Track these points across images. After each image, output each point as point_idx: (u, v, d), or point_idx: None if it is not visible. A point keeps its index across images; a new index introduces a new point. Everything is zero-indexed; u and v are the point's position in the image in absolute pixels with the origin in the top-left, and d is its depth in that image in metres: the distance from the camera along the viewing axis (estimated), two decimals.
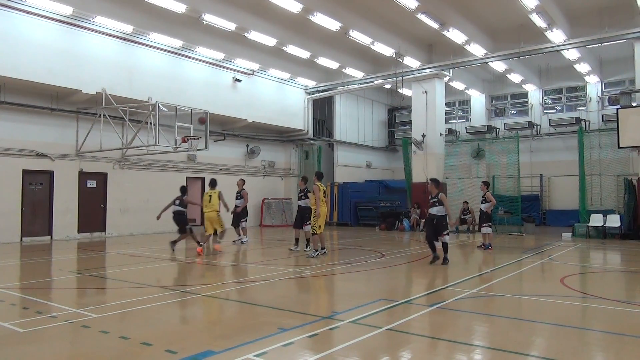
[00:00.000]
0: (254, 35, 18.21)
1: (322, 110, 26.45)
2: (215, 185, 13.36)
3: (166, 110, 16.08)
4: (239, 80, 21.48)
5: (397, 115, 30.19)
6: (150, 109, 15.77)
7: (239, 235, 15.20)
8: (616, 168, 19.61)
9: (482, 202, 13.76)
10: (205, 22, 16.55)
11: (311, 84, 24.73)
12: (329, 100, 26.46)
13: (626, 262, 12.16)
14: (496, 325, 5.86)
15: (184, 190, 13.20)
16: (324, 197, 11.79)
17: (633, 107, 16.96)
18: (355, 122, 27.89)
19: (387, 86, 26.33)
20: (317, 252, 11.46)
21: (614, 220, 17.16)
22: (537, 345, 5.11)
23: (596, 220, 17.49)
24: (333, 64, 22.19)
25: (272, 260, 10.86)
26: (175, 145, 15.86)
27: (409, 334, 5.39)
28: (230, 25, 17.12)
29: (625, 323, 5.95)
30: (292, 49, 20.08)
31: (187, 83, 19.38)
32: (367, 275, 9.35)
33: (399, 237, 18.41)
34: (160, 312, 6.38)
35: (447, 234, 10.52)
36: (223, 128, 21.95)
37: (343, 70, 23.03)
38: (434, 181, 10.93)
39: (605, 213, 17.78)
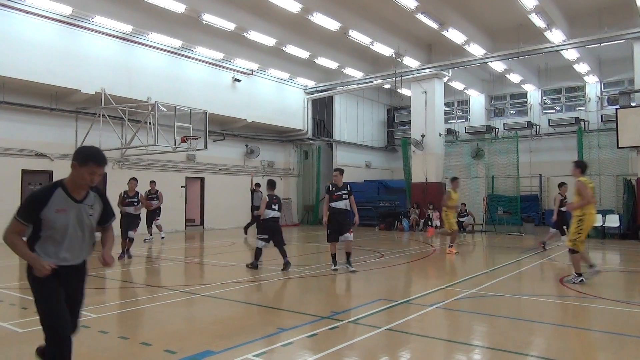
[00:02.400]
0: (254, 35, 18.21)
1: (322, 110, 26.45)
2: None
3: (165, 110, 16.08)
4: (239, 80, 21.47)
5: (396, 115, 30.20)
6: (150, 108, 15.78)
7: (151, 234, 15.29)
8: (615, 168, 19.62)
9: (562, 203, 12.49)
10: (204, 22, 16.54)
11: (310, 84, 24.73)
12: (329, 100, 26.46)
13: (625, 262, 12.17)
14: (495, 325, 5.86)
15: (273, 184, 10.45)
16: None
17: (632, 107, 16.98)
18: (354, 122, 27.90)
19: (387, 86, 26.33)
20: (581, 278, 8.10)
21: (613, 220, 17.18)
22: (537, 345, 5.12)
23: (597, 219, 17.49)
24: (332, 64, 22.19)
25: (271, 260, 10.84)
26: (175, 145, 15.86)
27: (408, 334, 5.40)
28: (229, 25, 17.12)
29: (624, 323, 5.96)
30: (291, 49, 20.09)
31: (187, 83, 19.37)
32: (367, 275, 9.36)
33: (398, 237, 18.42)
34: (160, 312, 6.38)
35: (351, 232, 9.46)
36: (222, 128, 21.95)
37: (342, 70, 23.03)
38: (339, 170, 9.67)
39: (604, 213, 17.78)
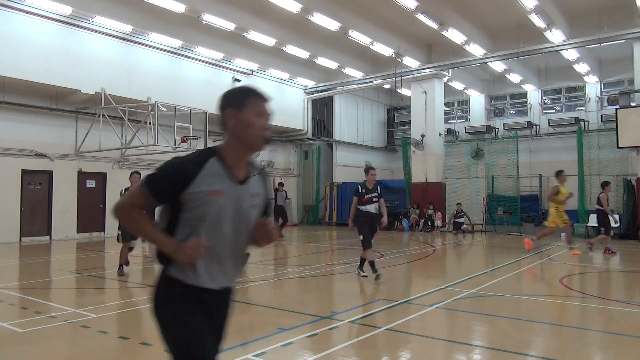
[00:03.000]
0: (253, 35, 18.21)
1: (322, 110, 26.45)
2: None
3: (165, 110, 16.07)
4: (239, 80, 21.46)
5: (396, 115, 30.18)
6: (150, 108, 15.77)
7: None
8: (615, 168, 19.60)
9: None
10: (204, 22, 16.54)
11: (310, 84, 24.72)
12: (328, 100, 26.46)
13: (625, 262, 12.17)
14: (495, 325, 5.86)
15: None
16: None
17: (632, 107, 16.99)
18: (354, 122, 27.89)
19: (387, 86, 26.31)
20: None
21: (612, 221, 17.10)
22: (536, 345, 5.12)
23: (595, 220, 17.44)
24: (332, 64, 22.18)
25: (272, 260, 10.85)
26: (175, 145, 15.85)
27: (408, 334, 5.40)
28: (229, 25, 17.11)
29: (624, 323, 5.95)
30: (291, 49, 20.08)
31: (187, 83, 19.36)
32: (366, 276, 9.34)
33: (398, 237, 18.42)
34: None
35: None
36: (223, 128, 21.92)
37: (342, 70, 23.02)
38: (373, 169, 9.04)
39: None
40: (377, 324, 5.60)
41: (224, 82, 21.04)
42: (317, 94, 25.00)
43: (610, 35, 17.16)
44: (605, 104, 22.69)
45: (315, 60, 21.56)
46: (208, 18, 16.27)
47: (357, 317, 5.89)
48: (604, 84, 23.21)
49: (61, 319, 5.84)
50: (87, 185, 17.58)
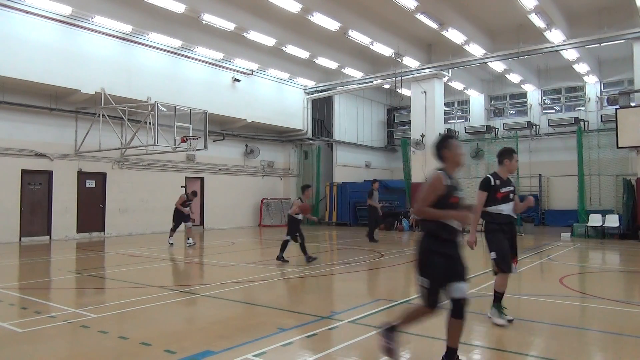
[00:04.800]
0: (253, 35, 18.21)
1: (321, 110, 26.46)
2: None
3: (165, 110, 16.08)
4: (238, 80, 21.48)
5: (396, 115, 30.20)
6: (150, 108, 15.77)
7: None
8: (615, 168, 19.62)
9: None
10: (204, 22, 16.54)
11: (310, 84, 24.73)
12: (328, 100, 26.47)
13: (625, 262, 12.17)
14: (495, 326, 5.86)
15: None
16: None
17: (632, 107, 16.98)
18: (354, 122, 27.90)
19: (386, 86, 26.32)
20: None
21: (612, 220, 17.18)
22: (536, 345, 5.12)
23: (595, 220, 17.51)
24: (332, 64, 22.19)
25: (272, 260, 10.85)
26: (175, 145, 15.85)
27: (407, 334, 5.39)
28: (229, 25, 17.11)
29: (624, 323, 5.95)
30: (291, 49, 20.09)
31: (186, 83, 19.37)
32: (366, 275, 9.36)
33: (398, 237, 18.42)
34: (159, 312, 6.38)
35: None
36: (222, 128, 21.95)
37: (342, 70, 23.03)
38: (512, 151, 7.24)
39: (604, 213, 17.80)
40: (376, 324, 5.59)
41: (224, 82, 21.06)
42: (317, 94, 25.01)
43: (610, 35, 17.16)
44: (605, 104, 22.70)
45: (315, 60, 21.57)
46: (208, 18, 16.27)
47: (357, 317, 5.89)
48: (603, 84, 23.22)
49: (61, 319, 5.84)
50: (87, 185, 17.58)
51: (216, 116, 20.02)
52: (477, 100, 26.71)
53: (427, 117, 21.60)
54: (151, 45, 18.13)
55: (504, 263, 5.70)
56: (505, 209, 5.75)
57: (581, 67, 21.28)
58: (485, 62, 20.66)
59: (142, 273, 9.72)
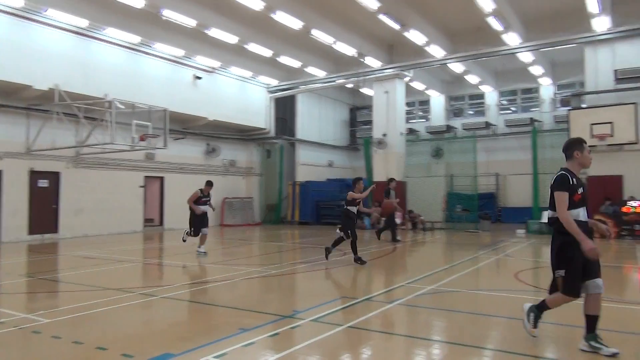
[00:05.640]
0: (215, 33, 17.96)
1: (284, 109, 26.38)
2: None
3: (123, 107, 15.61)
4: (200, 78, 21.13)
5: (358, 115, 30.46)
6: (107, 105, 15.30)
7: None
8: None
9: None
10: (164, 18, 16.18)
11: (273, 82, 24.61)
12: (291, 99, 26.42)
13: None
14: (454, 320, 6.00)
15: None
16: None
17: (583, 108, 17.71)
18: (317, 121, 27.96)
19: (349, 86, 26.51)
20: None
21: None
22: (493, 339, 5.28)
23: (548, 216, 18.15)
24: (295, 63, 22.16)
25: (234, 260, 10.73)
26: (133, 143, 15.43)
27: (369, 331, 5.45)
28: (190, 22, 16.81)
29: (574, 314, 6.19)
30: (253, 47, 19.93)
31: (146, 80, 18.90)
32: (329, 274, 9.40)
33: (359, 235, 18.55)
34: (116, 315, 6.20)
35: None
36: (183, 126, 21.55)
37: (305, 69, 23.03)
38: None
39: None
40: (339, 322, 5.63)
41: (185, 79, 20.69)
42: (280, 93, 24.92)
43: (563, 39, 17.87)
44: (558, 105, 23.59)
45: (278, 58, 21.48)
46: (168, 14, 15.94)
47: (319, 315, 5.90)
48: (557, 85, 24.12)
49: (11, 325, 5.59)
50: (40, 185, 16.88)
51: (177, 114, 19.63)
52: (437, 101, 27.26)
53: (389, 117, 21.87)
54: (109, 40, 17.58)
55: (572, 284, 4.59)
56: (582, 214, 4.63)
57: (536, 70, 22.04)
58: (445, 64, 21.10)
59: (98, 275, 9.42)
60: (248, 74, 23.13)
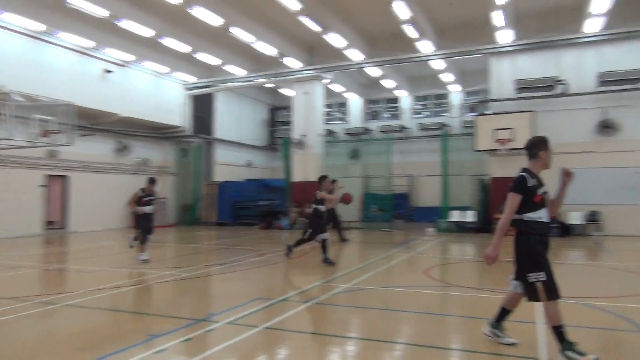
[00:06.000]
0: (128, 25, 17.09)
1: (202, 107, 25.69)
2: None
3: (23, 100, 14.39)
4: (110, 72, 20.00)
5: (278, 115, 30.44)
6: (3, 98, 13.99)
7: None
8: (473, 169, 21.76)
9: None
10: (69, 5, 15.11)
11: (191, 79, 23.90)
12: (209, 97, 25.80)
13: (479, 253, 13.56)
14: (367, 317, 6.16)
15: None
16: None
17: (487, 114, 18.99)
18: (236, 120, 27.55)
19: (269, 85, 26.41)
20: None
21: (470, 216, 19.14)
22: (404, 333, 5.49)
23: (456, 216, 19.38)
24: (214, 60, 21.68)
25: (145, 263, 10.26)
26: (34, 140, 14.26)
27: (286, 331, 5.45)
28: (100, 11, 15.85)
29: (477, 307, 6.62)
30: (170, 42, 19.22)
31: (50, 71, 17.55)
32: (245, 275, 9.28)
33: (277, 235, 18.55)
34: (11, 326, 5.68)
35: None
36: (92, 122, 20.24)
37: (224, 67, 22.61)
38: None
39: (463, 209, 19.69)
40: (255, 323, 5.56)
41: (94, 72, 19.50)
42: (198, 90, 24.26)
43: (470, 49, 19.14)
44: (466, 111, 25.11)
45: (195, 55, 20.90)
46: (74, 1, 14.91)
47: (235, 317, 5.80)
48: (465, 92, 25.65)
49: None
50: None
51: (85, 109, 18.38)
52: (355, 103, 27.95)
53: (308, 118, 22.08)
54: (7, 27, 16.11)
55: (554, 287, 4.33)
56: (544, 215, 4.53)
57: (447, 77, 23.31)
58: (363, 67, 21.70)
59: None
60: (164, 69, 22.28)
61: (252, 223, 22.59)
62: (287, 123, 27.77)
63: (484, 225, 18.67)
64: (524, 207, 4.45)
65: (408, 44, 19.23)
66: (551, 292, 4.29)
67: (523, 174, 4.50)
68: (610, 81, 16.85)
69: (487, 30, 17.99)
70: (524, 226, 4.45)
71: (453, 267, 10.88)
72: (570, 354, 4.16)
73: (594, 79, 17.29)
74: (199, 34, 19.56)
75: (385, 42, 20.92)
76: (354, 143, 26.18)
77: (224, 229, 21.63)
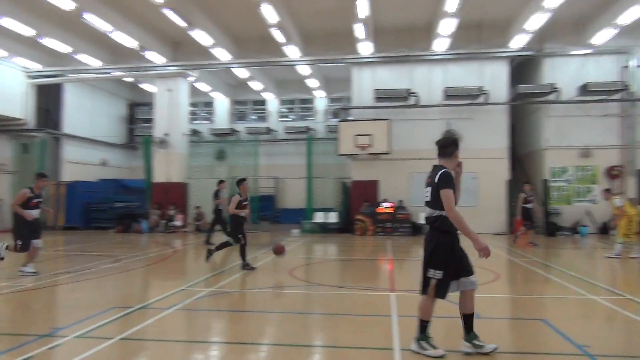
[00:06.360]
0: None
1: (48, 98, 23.05)
2: None
3: None
4: None
5: (138, 112, 28.57)
6: None
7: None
8: (336, 172, 22.75)
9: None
10: None
11: (35, 66, 21.33)
12: (57, 88, 23.24)
13: (341, 252, 14.23)
14: (232, 320, 6.07)
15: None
16: None
17: (349, 121, 20.01)
18: (89, 114, 25.21)
19: (129, 79, 24.72)
20: None
21: (333, 217, 20.01)
22: (268, 334, 5.51)
23: (319, 217, 20.11)
24: (64, 47, 19.60)
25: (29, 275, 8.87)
26: None
27: (145, 341, 5.12)
28: None
29: (338, 304, 6.92)
30: (9, 23, 16.92)
31: None
32: (98, 283, 8.53)
33: (136, 239, 17.43)
34: None
35: None
36: None
37: (76, 56, 20.58)
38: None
39: (326, 211, 20.49)
40: (109, 335, 5.13)
41: None
42: (43, 80, 21.75)
43: (334, 57, 20.09)
44: (330, 116, 26.18)
45: (41, 40, 18.70)
46: None
47: (85, 330, 5.28)
48: (329, 99, 26.74)
49: None
50: None
51: None
52: (222, 104, 27.44)
53: (172, 116, 21.17)
54: None
55: (445, 289, 4.48)
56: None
57: (312, 82, 24.05)
58: (230, 68, 21.43)
59: None
60: (2, 53, 19.57)
61: (107, 227, 20.90)
62: (149, 120, 26.22)
63: (346, 226, 19.66)
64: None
65: (276, 48, 19.45)
66: (441, 292, 4.46)
67: (447, 170, 4.55)
68: (453, 96, 18.90)
69: (350, 41, 18.96)
70: (447, 224, 4.45)
71: (317, 266, 11.24)
72: (423, 343, 4.50)
73: (440, 93, 19.23)
74: (47, 16, 17.57)
75: (253, 44, 20.92)
76: (220, 144, 25.69)
77: (73, 234, 19.67)
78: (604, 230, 18.13)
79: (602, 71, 18.61)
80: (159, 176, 21.13)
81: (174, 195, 20.94)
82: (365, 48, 19.04)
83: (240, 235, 9.75)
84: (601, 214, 18.37)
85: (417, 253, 13.89)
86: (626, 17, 15.83)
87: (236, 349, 4.87)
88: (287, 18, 17.70)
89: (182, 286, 7.99)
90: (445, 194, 4.38)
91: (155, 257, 12.33)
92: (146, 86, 23.33)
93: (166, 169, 20.90)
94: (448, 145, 4.69)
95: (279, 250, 10.26)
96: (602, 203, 18.24)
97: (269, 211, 23.50)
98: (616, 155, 18.70)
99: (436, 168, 4.59)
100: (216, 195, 14.95)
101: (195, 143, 24.64)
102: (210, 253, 10.27)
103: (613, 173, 18.50)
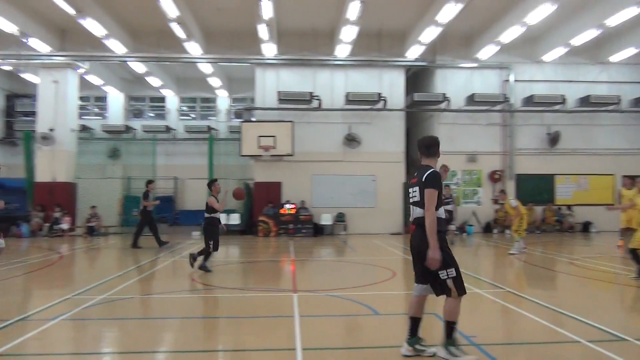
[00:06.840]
0: None
1: None
2: None
3: None
4: None
5: (18, 104, 25.90)
6: None
7: None
8: (239, 173, 22.41)
9: None
10: None
11: None
12: None
13: (243, 254, 14.05)
14: (126, 328, 5.72)
15: None
16: None
17: (252, 122, 19.84)
18: None
19: (7, 68, 22.35)
20: None
21: (235, 219, 19.67)
22: (166, 341, 5.27)
23: (222, 218, 19.49)
24: None
25: None
26: None
27: (24, 356, 4.64)
28: None
29: (241, 307, 6.81)
30: None
31: None
32: None
33: (16, 245, 15.78)
34: None
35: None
36: None
37: None
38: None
39: (229, 212, 20.11)
40: None
41: None
42: None
43: (238, 57, 19.82)
44: (233, 116, 25.77)
45: None
46: None
47: None
48: (232, 98, 26.31)
49: None
50: None
51: None
52: (116, 99, 25.79)
53: (58, 110, 19.50)
54: None
55: (462, 283, 4.37)
56: (442, 212, 4.51)
57: (214, 81, 23.48)
58: (125, 61, 20.27)
59: None
60: None
61: None
62: (31, 114, 23.87)
63: (248, 228, 19.46)
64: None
65: (176, 43, 18.69)
66: (462, 288, 4.34)
67: (435, 170, 4.48)
68: (354, 101, 19.53)
69: (254, 41, 18.80)
70: (439, 223, 4.37)
71: (218, 269, 10.96)
72: (453, 349, 4.30)
73: (342, 97, 19.77)
74: None
75: (151, 37, 19.92)
76: (113, 141, 24.14)
77: None
78: (488, 229, 19.82)
79: (487, 84, 20.38)
80: (42, 175, 19.35)
81: (60, 195, 19.30)
82: (269, 49, 19.00)
83: (211, 242, 9.61)
84: (485, 214, 20.09)
85: (319, 253, 14.14)
86: (506, 36, 17.45)
87: (131, 358, 4.59)
88: (187, 13, 17.11)
89: (69, 294, 7.36)
90: (430, 193, 4.33)
91: (38, 263, 11.27)
92: (28, 76, 21.23)
93: (51, 167, 19.22)
94: (432, 145, 4.63)
95: (238, 195, 10.25)
96: (486, 204, 20.06)
97: (168, 213, 22.54)
98: (498, 161, 20.54)
99: (423, 168, 4.52)
100: (145, 196, 14.36)
101: (86, 140, 22.90)
102: (193, 258, 9.74)
103: (495, 177, 20.28)
